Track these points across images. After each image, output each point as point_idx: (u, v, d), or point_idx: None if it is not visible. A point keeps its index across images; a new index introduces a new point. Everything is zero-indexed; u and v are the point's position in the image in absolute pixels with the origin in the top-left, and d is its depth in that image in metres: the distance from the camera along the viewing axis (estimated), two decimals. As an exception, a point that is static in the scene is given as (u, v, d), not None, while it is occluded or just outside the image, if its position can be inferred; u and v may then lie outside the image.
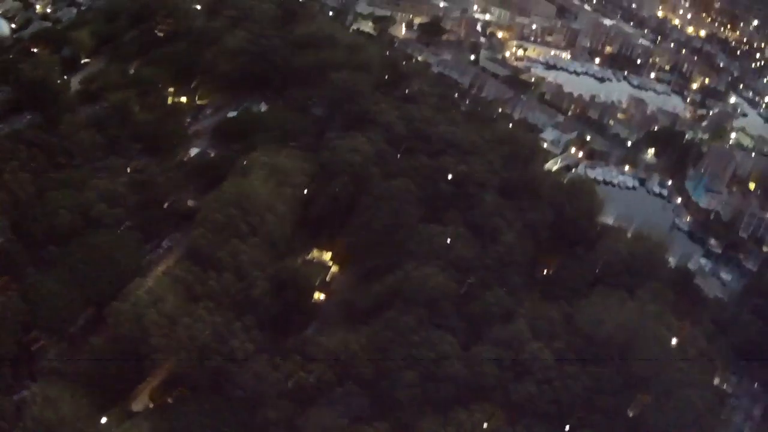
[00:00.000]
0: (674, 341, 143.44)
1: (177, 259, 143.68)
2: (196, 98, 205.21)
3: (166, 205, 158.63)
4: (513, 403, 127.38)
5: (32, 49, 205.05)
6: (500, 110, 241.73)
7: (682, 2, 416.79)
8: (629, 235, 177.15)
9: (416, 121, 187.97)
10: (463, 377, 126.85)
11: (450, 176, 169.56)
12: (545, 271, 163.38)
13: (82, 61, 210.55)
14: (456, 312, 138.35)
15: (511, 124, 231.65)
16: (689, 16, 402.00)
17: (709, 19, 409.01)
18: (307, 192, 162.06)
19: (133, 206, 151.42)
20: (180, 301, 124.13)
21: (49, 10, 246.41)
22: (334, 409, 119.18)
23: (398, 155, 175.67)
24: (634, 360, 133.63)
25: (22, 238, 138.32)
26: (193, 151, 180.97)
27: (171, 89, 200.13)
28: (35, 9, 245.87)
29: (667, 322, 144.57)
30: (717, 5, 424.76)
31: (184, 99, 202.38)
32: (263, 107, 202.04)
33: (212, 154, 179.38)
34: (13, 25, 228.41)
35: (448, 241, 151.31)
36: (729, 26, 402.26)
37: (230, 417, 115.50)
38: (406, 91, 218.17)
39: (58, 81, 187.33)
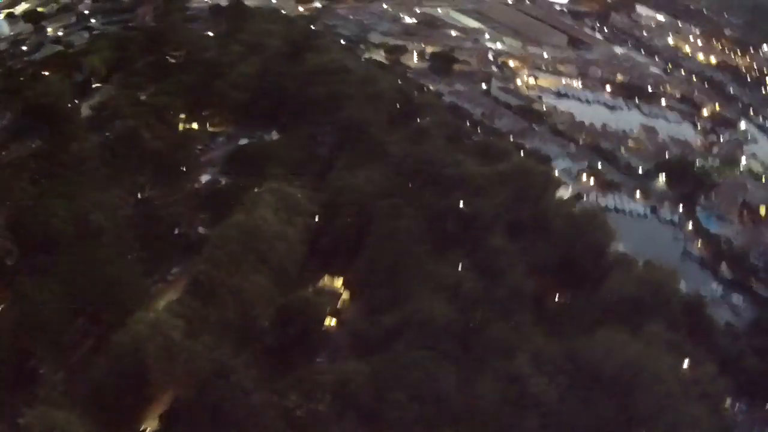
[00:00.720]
0: (681, 379, 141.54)
1: (181, 290, 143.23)
2: (208, 126, 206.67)
3: (176, 232, 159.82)
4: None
5: (43, 73, 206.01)
6: (512, 140, 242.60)
7: (693, 30, 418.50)
8: (640, 263, 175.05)
9: (426, 156, 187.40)
10: (465, 413, 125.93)
11: (458, 215, 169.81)
12: (551, 307, 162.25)
13: (94, 86, 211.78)
14: (460, 347, 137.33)
15: (522, 153, 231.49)
16: (700, 43, 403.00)
17: (720, 47, 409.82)
18: (315, 226, 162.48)
19: (140, 236, 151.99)
20: (183, 333, 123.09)
21: (61, 34, 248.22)
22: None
23: (406, 192, 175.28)
24: (639, 399, 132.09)
25: (25, 262, 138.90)
26: (204, 178, 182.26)
27: (183, 116, 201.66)
28: (47, 32, 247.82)
29: (674, 359, 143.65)
30: (728, 33, 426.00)
31: (195, 125, 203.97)
32: (275, 136, 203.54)
33: (223, 182, 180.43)
34: (25, 48, 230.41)
35: (454, 278, 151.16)
36: (740, 53, 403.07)
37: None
38: (418, 122, 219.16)
39: (69, 105, 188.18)
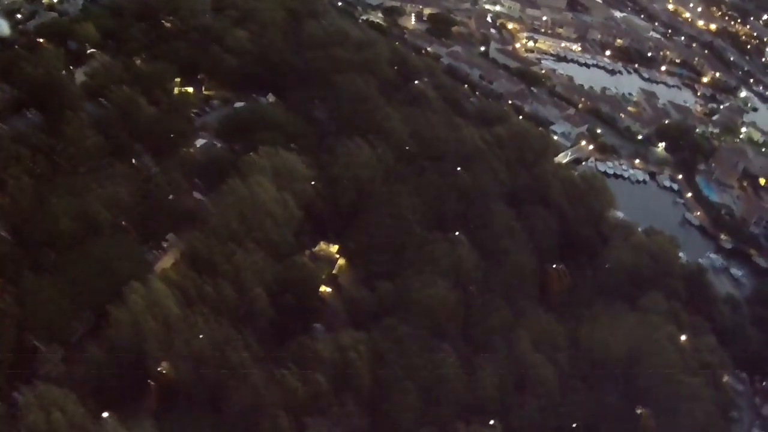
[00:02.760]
0: (681, 350, 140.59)
1: (176, 260, 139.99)
2: (203, 90, 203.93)
3: (169, 199, 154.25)
4: (514, 421, 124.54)
5: (37, 41, 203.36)
6: (510, 102, 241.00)
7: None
8: (640, 230, 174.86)
9: (421, 126, 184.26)
10: (463, 394, 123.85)
11: (454, 186, 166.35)
12: (551, 283, 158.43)
13: (88, 52, 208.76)
14: (457, 326, 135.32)
15: (521, 117, 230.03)
16: (699, 10, 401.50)
17: (720, 14, 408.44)
18: (309, 197, 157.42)
19: (134, 206, 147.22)
20: (177, 308, 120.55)
21: (55, 1, 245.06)
22: (331, 421, 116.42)
23: (402, 163, 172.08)
24: (639, 373, 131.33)
25: (20, 242, 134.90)
26: (200, 143, 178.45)
27: (177, 80, 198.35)
28: (41, 0, 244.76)
29: (674, 330, 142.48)
30: (727, 0, 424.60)
31: (191, 90, 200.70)
32: (270, 99, 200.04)
33: (218, 146, 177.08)
34: (19, 16, 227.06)
35: (450, 251, 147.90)
36: (739, 21, 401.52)
37: (227, 429, 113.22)
38: (415, 85, 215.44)
39: (63, 72, 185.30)
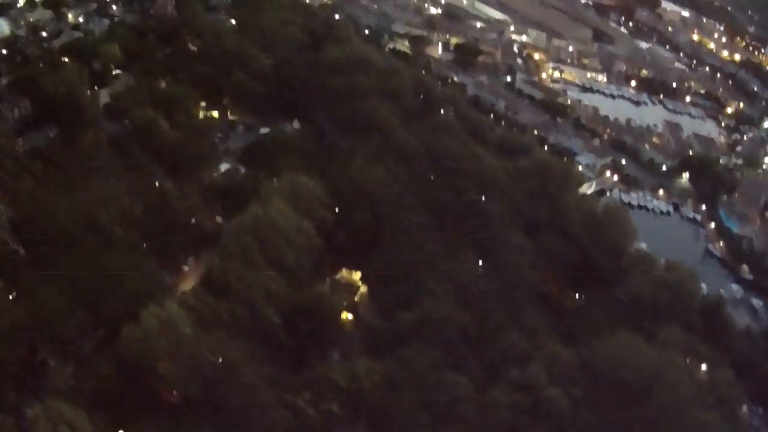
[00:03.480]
0: (697, 383, 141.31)
1: (194, 284, 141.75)
2: (228, 114, 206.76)
3: (192, 222, 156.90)
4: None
5: (61, 60, 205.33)
6: (535, 133, 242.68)
7: (717, 27, 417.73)
8: (662, 261, 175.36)
9: (442, 154, 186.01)
10: (476, 421, 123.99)
11: (475, 212, 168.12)
12: (568, 310, 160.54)
13: (113, 73, 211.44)
14: (473, 353, 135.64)
15: (545, 148, 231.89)
16: (723, 40, 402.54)
17: (743, 44, 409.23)
18: (329, 223, 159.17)
19: (153, 229, 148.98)
20: (191, 330, 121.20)
21: (80, 21, 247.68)
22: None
23: (424, 187, 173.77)
24: (654, 405, 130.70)
25: (33, 256, 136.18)
26: (223, 167, 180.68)
27: (203, 104, 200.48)
28: (67, 19, 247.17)
29: (691, 363, 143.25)
30: (751, 30, 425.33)
31: (216, 114, 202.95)
32: (296, 125, 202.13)
33: (242, 172, 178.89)
34: (44, 34, 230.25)
35: (467, 278, 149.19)
36: (763, 51, 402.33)
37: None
38: (439, 115, 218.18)
39: (88, 93, 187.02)
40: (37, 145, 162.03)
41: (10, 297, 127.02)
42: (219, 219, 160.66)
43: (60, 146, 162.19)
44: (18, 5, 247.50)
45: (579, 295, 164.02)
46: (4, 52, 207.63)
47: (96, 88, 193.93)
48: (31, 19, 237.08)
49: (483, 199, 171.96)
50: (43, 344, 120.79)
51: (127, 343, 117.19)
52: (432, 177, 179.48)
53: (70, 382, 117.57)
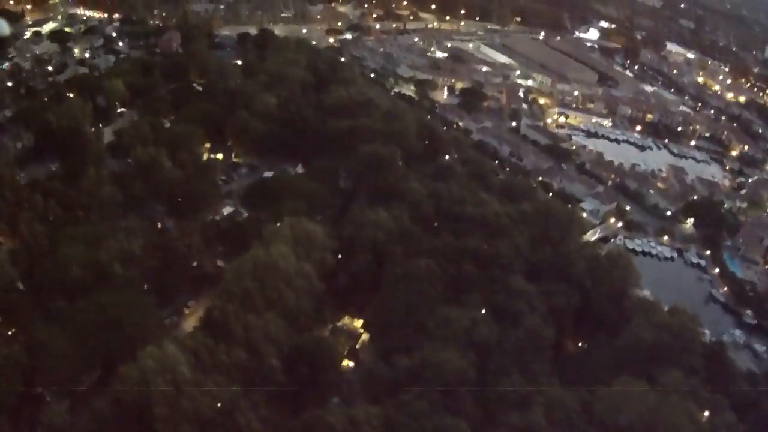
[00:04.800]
0: (699, 427, 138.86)
1: (194, 325, 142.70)
2: (232, 156, 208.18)
3: (194, 264, 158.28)
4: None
5: (66, 94, 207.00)
6: (540, 179, 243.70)
7: (722, 68, 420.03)
8: (665, 308, 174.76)
9: (445, 198, 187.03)
10: None
11: (475, 258, 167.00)
12: (569, 354, 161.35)
13: (118, 111, 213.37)
14: (472, 397, 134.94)
15: (550, 193, 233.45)
16: (728, 82, 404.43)
17: (748, 85, 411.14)
18: (333, 263, 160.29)
19: (153, 268, 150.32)
20: (189, 372, 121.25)
21: (87, 56, 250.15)
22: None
23: (425, 231, 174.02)
24: None
25: (31, 289, 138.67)
26: (227, 210, 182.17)
27: (207, 145, 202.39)
28: (73, 53, 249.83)
29: (693, 407, 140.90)
30: (756, 71, 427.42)
31: (220, 156, 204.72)
32: (300, 169, 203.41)
33: (245, 215, 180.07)
34: (50, 68, 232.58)
35: (469, 323, 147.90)
36: (767, 92, 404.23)
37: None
38: (444, 160, 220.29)
39: (92, 129, 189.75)
40: (38, 178, 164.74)
41: (9, 333, 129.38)
42: (220, 262, 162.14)
43: (61, 180, 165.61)
44: (24, 37, 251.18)
45: (580, 340, 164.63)
46: (9, 84, 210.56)
47: (100, 125, 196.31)
48: (37, 52, 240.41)
49: (485, 243, 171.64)
50: (39, 379, 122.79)
51: (124, 382, 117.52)
52: (434, 221, 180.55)
53: (66, 417, 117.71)
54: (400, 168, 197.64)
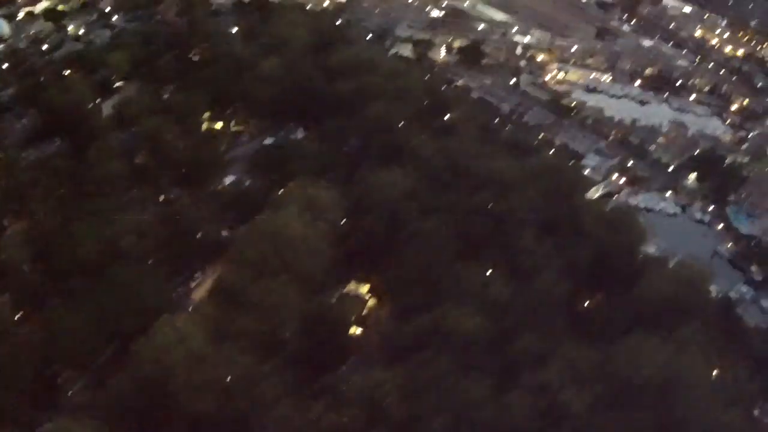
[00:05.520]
0: (713, 383, 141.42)
1: (207, 294, 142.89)
2: (233, 125, 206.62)
3: (198, 236, 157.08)
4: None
5: (63, 72, 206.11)
6: (542, 136, 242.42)
7: (720, 21, 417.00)
8: (671, 265, 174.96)
9: (454, 154, 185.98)
10: (495, 424, 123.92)
11: (488, 213, 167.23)
12: (583, 312, 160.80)
13: (116, 85, 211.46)
14: (490, 355, 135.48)
15: (552, 149, 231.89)
16: (727, 35, 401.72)
17: (747, 38, 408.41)
18: (342, 228, 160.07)
19: (163, 238, 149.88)
20: (207, 341, 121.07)
21: (82, 32, 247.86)
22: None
23: (435, 191, 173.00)
24: (672, 406, 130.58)
25: (45, 268, 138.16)
26: (229, 180, 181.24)
27: (207, 115, 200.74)
28: (67, 30, 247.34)
29: (707, 362, 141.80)
30: (753, 24, 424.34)
31: (220, 125, 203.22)
32: (300, 134, 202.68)
33: (248, 183, 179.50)
34: (45, 47, 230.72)
35: (484, 281, 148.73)
36: (766, 45, 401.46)
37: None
38: (446, 119, 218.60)
39: (91, 105, 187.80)
40: (42, 157, 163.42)
41: (20, 314, 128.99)
42: (226, 233, 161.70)
43: (66, 157, 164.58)
44: (18, 18, 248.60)
45: (595, 296, 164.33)
46: (6, 65, 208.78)
47: (100, 99, 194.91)
48: (32, 32, 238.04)
49: (497, 199, 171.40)
50: (56, 358, 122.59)
51: (140, 357, 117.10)
52: (444, 178, 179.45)
53: (83, 397, 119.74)
54: (407, 126, 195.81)
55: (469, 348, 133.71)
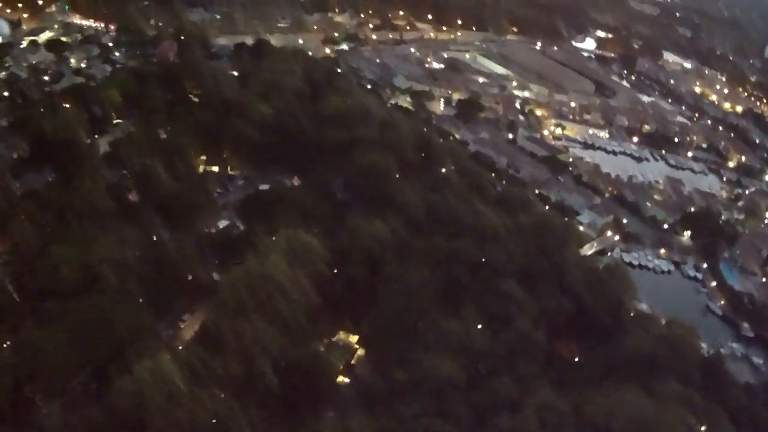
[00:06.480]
0: None
1: (190, 337, 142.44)
2: (228, 168, 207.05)
3: (189, 277, 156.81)
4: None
5: (62, 105, 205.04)
6: (536, 191, 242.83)
7: (719, 77, 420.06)
8: (663, 321, 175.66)
9: (440, 206, 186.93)
10: None
11: (469, 261, 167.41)
12: (561, 359, 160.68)
13: (114, 122, 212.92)
14: (462, 401, 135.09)
15: (547, 206, 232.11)
16: (726, 91, 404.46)
17: (746, 94, 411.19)
18: (328, 275, 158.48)
19: (151, 279, 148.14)
20: (187, 381, 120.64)
21: (83, 65, 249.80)
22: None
23: (420, 242, 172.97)
24: None
25: (22, 292, 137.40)
26: (222, 224, 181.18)
27: (203, 157, 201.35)
28: (69, 63, 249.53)
29: (689, 418, 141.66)
30: (753, 79, 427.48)
31: (216, 168, 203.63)
32: (296, 181, 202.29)
33: (241, 228, 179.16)
34: (46, 78, 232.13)
35: (460, 329, 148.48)
36: (765, 101, 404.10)
37: None
38: (440, 171, 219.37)
39: (88, 141, 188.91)
40: (33, 188, 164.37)
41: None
42: (215, 275, 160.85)
43: (57, 191, 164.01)
44: (21, 46, 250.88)
45: (575, 348, 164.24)
46: (5, 93, 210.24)
47: (96, 135, 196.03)
48: (33, 61, 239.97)
49: (481, 253, 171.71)
50: (30, 382, 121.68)
51: (118, 394, 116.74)
52: (430, 231, 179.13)
53: (56, 419, 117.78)
54: (396, 179, 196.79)
55: (445, 393, 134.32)
